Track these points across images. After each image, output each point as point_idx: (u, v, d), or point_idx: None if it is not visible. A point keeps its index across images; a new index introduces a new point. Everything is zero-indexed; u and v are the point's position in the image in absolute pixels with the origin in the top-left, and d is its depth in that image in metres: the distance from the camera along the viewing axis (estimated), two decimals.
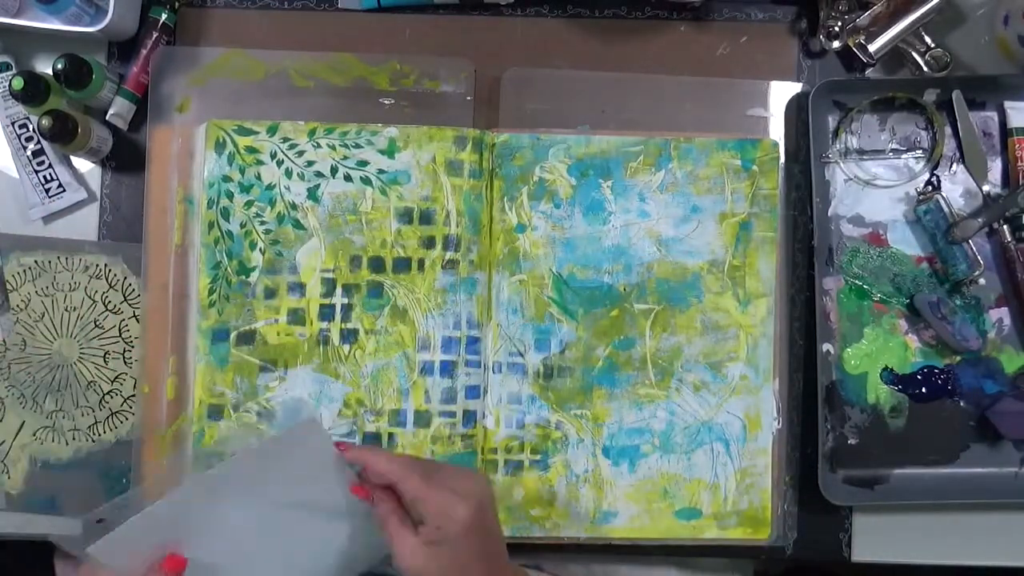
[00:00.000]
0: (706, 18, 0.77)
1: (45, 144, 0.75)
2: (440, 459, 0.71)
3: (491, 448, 0.72)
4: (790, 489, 0.74)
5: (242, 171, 0.72)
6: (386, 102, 0.75)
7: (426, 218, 0.72)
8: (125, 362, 0.75)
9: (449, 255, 0.72)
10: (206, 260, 0.72)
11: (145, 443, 0.72)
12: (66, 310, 0.75)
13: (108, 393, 0.74)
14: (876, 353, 0.75)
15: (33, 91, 0.70)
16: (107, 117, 0.74)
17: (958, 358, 0.75)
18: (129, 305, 0.75)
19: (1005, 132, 0.75)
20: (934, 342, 0.75)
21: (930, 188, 0.75)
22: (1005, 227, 0.73)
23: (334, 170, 0.72)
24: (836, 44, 0.75)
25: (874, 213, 0.75)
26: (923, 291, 0.74)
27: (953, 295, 0.75)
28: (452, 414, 0.72)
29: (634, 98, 0.75)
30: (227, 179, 0.72)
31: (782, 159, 0.75)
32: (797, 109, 0.76)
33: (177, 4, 0.76)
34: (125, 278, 0.75)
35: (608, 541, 0.73)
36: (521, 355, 0.72)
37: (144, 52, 0.74)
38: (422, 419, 0.72)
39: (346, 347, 0.72)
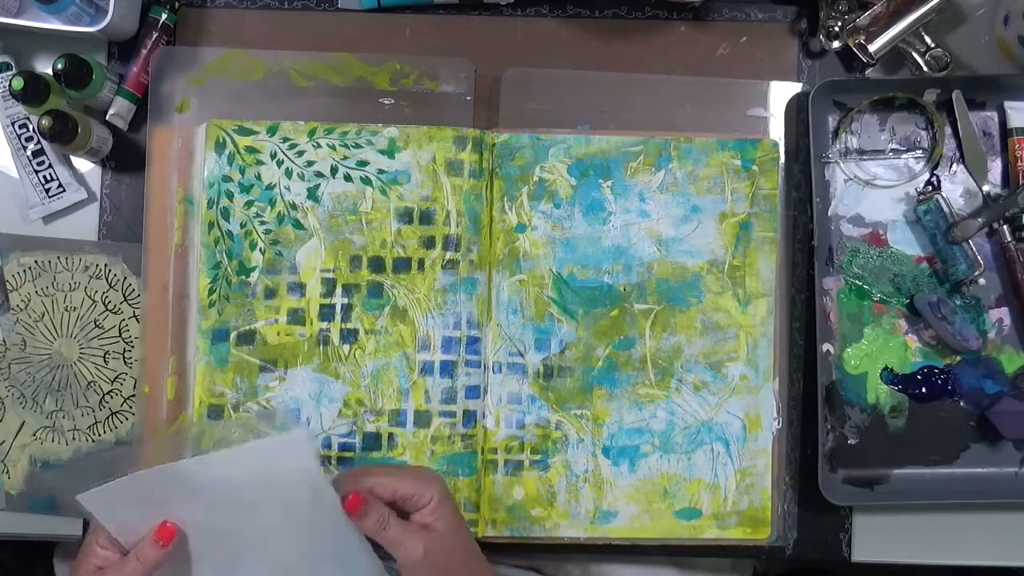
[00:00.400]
0: (706, 18, 0.77)
1: (45, 144, 0.75)
2: (440, 459, 0.71)
3: (491, 448, 0.72)
4: (790, 489, 0.74)
5: (242, 171, 0.72)
6: (386, 102, 0.75)
7: (426, 218, 0.72)
8: (125, 362, 0.75)
9: (449, 255, 0.72)
10: (206, 260, 0.72)
11: (145, 443, 0.72)
12: (66, 310, 0.75)
13: (108, 393, 0.75)
14: (876, 353, 0.75)
15: (33, 91, 0.70)
16: (107, 117, 0.74)
17: (958, 358, 0.75)
18: (129, 305, 0.75)
19: (1005, 132, 0.75)
20: (934, 342, 0.75)
21: (930, 188, 0.75)
22: (1005, 227, 0.73)
23: (334, 170, 0.72)
24: (836, 44, 0.75)
25: (874, 213, 0.75)
26: (923, 291, 0.75)
27: (953, 295, 0.75)
28: (452, 414, 0.72)
29: (634, 98, 0.75)
30: (227, 179, 0.72)
31: (782, 159, 0.75)
32: (797, 109, 0.76)
33: (177, 4, 0.76)
34: (125, 278, 0.75)
35: (608, 541, 0.73)
36: (521, 355, 0.72)
37: (144, 52, 0.74)
38: (422, 419, 0.72)
39: (346, 347, 0.72)
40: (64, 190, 0.75)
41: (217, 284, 0.72)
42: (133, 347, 0.75)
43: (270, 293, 0.72)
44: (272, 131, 0.72)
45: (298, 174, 0.72)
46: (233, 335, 0.71)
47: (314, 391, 0.72)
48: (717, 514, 0.72)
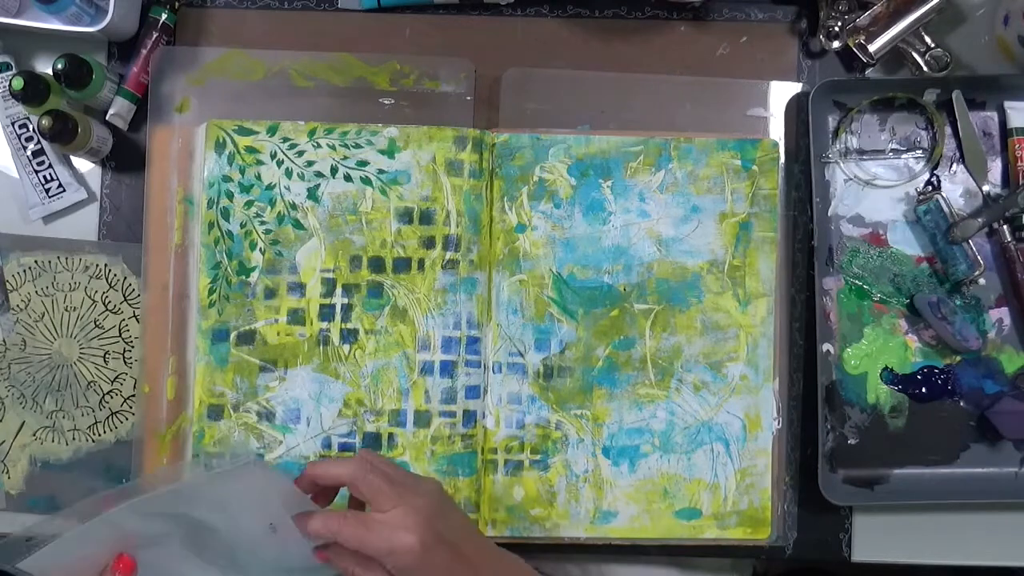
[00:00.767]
0: (706, 18, 0.77)
1: (45, 144, 0.75)
2: (440, 459, 0.71)
3: (491, 448, 0.72)
4: (790, 489, 0.74)
5: (242, 171, 0.72)
6: (386, 102, 0.75)
7: (426, 218, 0.72)
8: (125, 362, 0.75)
9: (449, 255, 0.72)
10: (206, 260, 0.72)
11: (145, 443, 0.72)
12: (66, 310, 0.75)
13: (108, 393, 0.75)
14: (876, 353, 0.75)
15: (33, 91, 0.70)
16: (107, 117, 0.74)
17: (958, 358, 0.75)
18: (129, 305, 0.75)
19: (1005, 132, 0.75)
20: (934, 342, 0.75)
21: (930, 188, 0.75)
22: (1005, 227, 0.73)
23: (334, 170, 0.72)
24: (836, 44, 0.75)
25: (874, 213, 0.76)
26: (923, 291, 0.74)
27: (953, 295, 0.75)
28: (452, 414, 0.72)
29: (634, 98, 0.75)
30: (227, 179, 0.72)
31: (782, 159, 0.75)
32: (797, 109, 0.76)
33: (177, 4, 0.76)
34: (125, 278, 0.75)
35: (608, 541, 0.73)
36: (521, 355, 0.72)
37: (144, 52, 0.74)
38: (422, 419, 0.72)
39: (346, 347, 0.72)
40: (64, 190, 0.75)
41: (217, 284, 0.72)
42: (133, 347, 0.75)
43: (270, 293, 0.72)
44: (272, 131, 0.72)
45: (298, 174, 0.72)
46: (233, 335, 0.71)
47: (314, 391, 0.72)
48: (717, 514, 0.72)
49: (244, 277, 0.72)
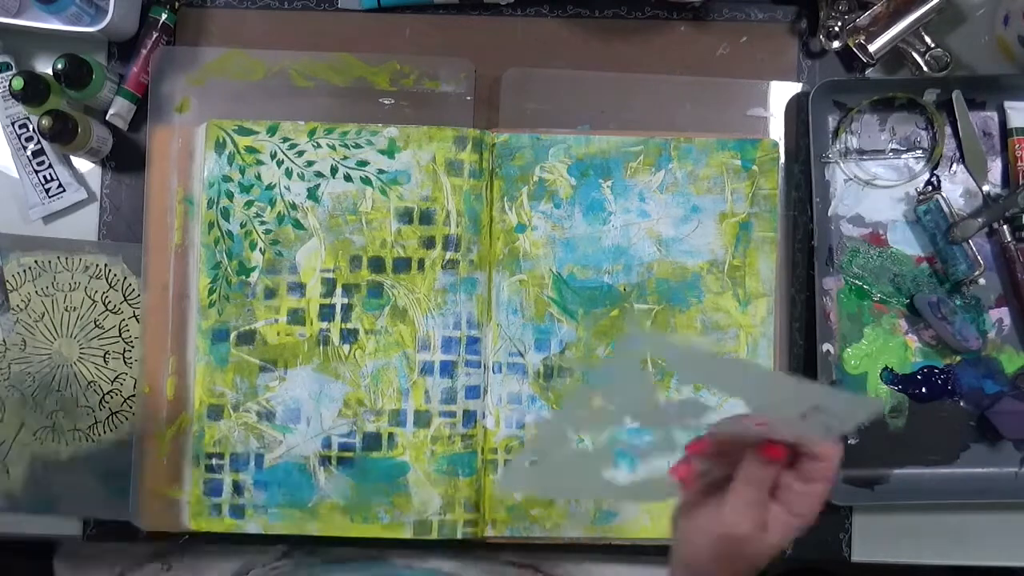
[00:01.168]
0: (706, 18, 0.77)
1: (45, 144, 0.75)
2: (440, 459, 0.71)
3: (491, 448, 0.72)
4: None
5: (242, 171, 0.72)
6: (386, 102, 0.75)
7: (426, 218, 0.72)
8: (125, 362, 0.75)
9: (449, 255, 0.72)
10: (206, 260, 0.72)
11: (145, 443, 0.72)
12: (66, 310, 0.75)
13: (108, 393, 0.74)
14: (876, 353, 0.75)
15: (33, 91, 0.70)
16: (107, 117, 0.74)
17: (958, 358, 0.75)
18: (129, 305, 0.75)
19: (1005, 132, 0.75)
20: (934, 342, 0.75)
21: (930, 188, 0.75)
22: (1005, 227, 0.73)
23: (334, 170, 0.72)
24: (836, 44, 0.75)
25: (874, 213, 0.75)
26: (923, 291, 0.74)
27: (953, 295, 0.75)
28: (452, 414, 0.72)
29: (634, 98, 0.75)
30: (227, 179, 0.72)
31: (782, 159, 0.75)
32: (797, 109, 0.76)
33: (177, 4, 0.76)
34: (125, 278, 0.75)
35: (608, 541, 0.73)
36: (521, 355, 0.72)
37: (144, 52, 0.74)
38: (422, 419, 0.72)
39: (346, 347, 0.72)
40: (64, 190, 0.75)
41: (217, 284, 0.72)
42: (133, 347, 0.74)
43: (270, 293, 0.72)
44: (272, 131, 0.72)
45: (298, 174, 0.72)
46: (233, 335, 0.71)
47: (314, 391, 0.72)
48: None
49: (244, 277, 0.72)
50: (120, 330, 0.75)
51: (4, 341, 0.74)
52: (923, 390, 0.75)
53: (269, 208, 0.72)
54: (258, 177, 0.72)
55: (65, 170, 0.75)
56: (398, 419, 0.72)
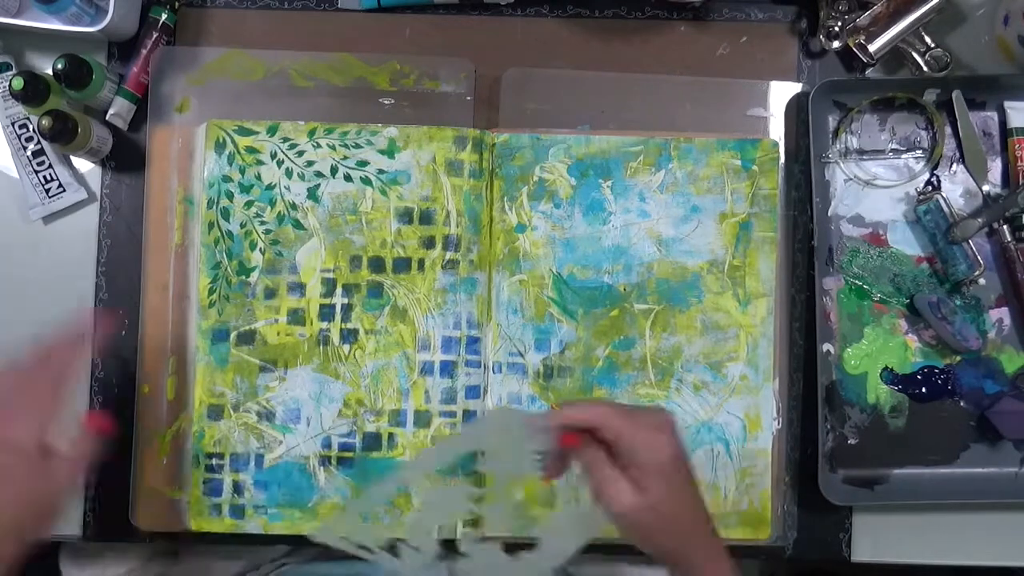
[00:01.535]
0: (706, 18, 0.77)
1: (45, 144, 0.75)
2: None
3: None
4: (790, 489, 0.74)
5: (242, 171, 0.72)
6: (386, 102, 0.75)
7: (426, 218, 0.72)
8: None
9: (449, 255, 0.72)
10: (206, 260, 0.72)
11: (145, 443, 0.72)
12: None
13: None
14: (876, 353, 0.75)
15: (33, 91, 0.70)
16: (107, 117, 0.74)
17: (958, 358, 0.75)
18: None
19: (1005, 132, 0.75)
20: (934, 342, 0.75)
21: (930, 188, 0.75)
22: (1005, 227, 0.73)
23: (334, 170, 0.72)
24: (836, 44, 0.75)
25: (874, 213, 0.75)
26: (923, 291, 0.74)
27: (953, 295, 0.75)
28: (452, 414, 0.72)
29: (634, 98, 0.75)
30: (227, 179, 0.72)
31: (782, 159, 0.75)
32: (797, 109, 0.76)
33: (177, 4, 0.76)
34: None
35: (608, 541, 0.73)
36: (521, 355, 0.72)
37: (144, 52, 0.74)
38: (422, 419, 0.72)
39: (346, 347, 0.72)
40: (64, 190, 0.75)
41: (217, 284, 0.72)
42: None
43: (270, 293, 0.72)
44: (272, 131, 0.72)
45: (298, 174, 0.72)
46: (233, 335, 0.71)
47: (314, 391, 0.72)
48: (717, 514, 0.72)
49: (244, 277, 0.72)
50: None
51: None
52: (923, 390, 0.75)
53: (269, 208, 0.72)
54: (258, 177, 0.72)
55: (65, 170, 0.75)
56: (398, 419, 0.72)
